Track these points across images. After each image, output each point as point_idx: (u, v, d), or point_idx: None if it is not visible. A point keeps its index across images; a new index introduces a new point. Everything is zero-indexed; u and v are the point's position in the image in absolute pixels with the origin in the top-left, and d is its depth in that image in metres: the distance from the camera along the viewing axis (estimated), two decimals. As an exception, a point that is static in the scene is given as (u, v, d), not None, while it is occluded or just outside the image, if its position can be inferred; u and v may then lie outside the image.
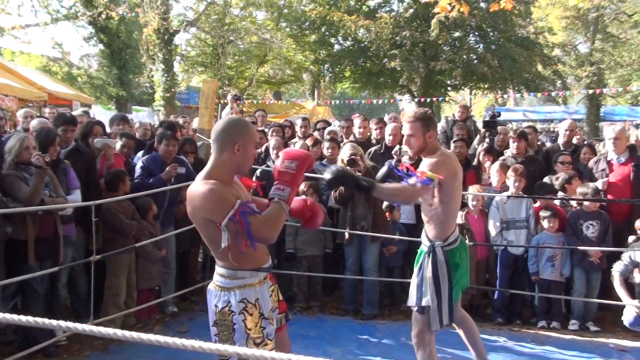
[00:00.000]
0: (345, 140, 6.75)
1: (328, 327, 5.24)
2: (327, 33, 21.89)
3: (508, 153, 6.20)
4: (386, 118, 7.77)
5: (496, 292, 5.45)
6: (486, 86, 21.96)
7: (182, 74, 24.19)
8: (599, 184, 5.47)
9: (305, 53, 22.77)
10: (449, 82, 22.28)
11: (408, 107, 18.29)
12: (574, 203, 5.50)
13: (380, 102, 21.15)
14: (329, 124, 8.59)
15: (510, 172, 5.42)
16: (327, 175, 3.26)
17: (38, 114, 7.64)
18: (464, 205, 5.34)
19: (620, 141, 5.63)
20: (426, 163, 3.40)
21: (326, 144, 6.29)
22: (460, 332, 3.77)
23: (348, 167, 5.33)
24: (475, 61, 20.57)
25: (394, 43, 19.46)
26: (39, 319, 1.61)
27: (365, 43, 20.93)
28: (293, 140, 6.68)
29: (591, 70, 24.19)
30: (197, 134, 6.99)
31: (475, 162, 6.19)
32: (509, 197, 5.40)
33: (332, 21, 20.25)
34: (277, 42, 20.05)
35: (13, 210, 4.04)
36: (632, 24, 24.14)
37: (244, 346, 2.46)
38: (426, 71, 19.45)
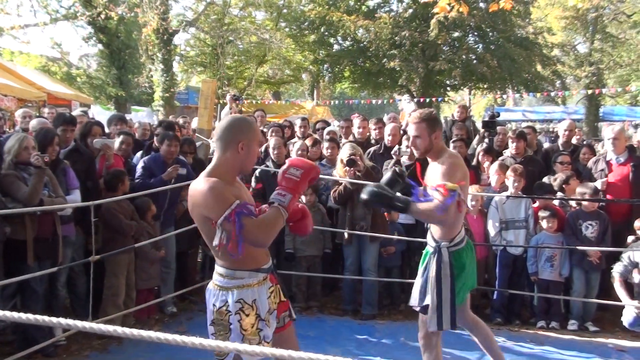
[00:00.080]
0: (344, 141, 6.75)
1: (327, 327, 5.24)
2: (326, 33, 21.90)
3: (507, 153, 6.20)
4: (385, 118, 7.76)
5: (495, 292, 5.45)
6: (485, 86, 21.97)
7: (182, 74, 24.19)
8: (598, 184, 5.47)
9: (304, 53, 22.78)
10: (448, 82, 22.29)
11: (407, 107, 18.24)
12: (573, 203, 5.50)
13: (379, 102, 21.13)
14: (328, 124, 8.59)
15: (509, 172, 5.42)
16: (363, 195, 3.35)
17: (37, 114, 7.64)
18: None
19: (619, 141, 5.63)
20: (438, 171, 3.33)
21: (325, 144, 6.30)
22: (475, 338, 3.69)
23: (349, 168, 5.34)
24: (475, 61, 20.60)
25: (393, 43, 19.47)
26: (38, 317, 1.61)
27: (365, 43, 20.95)
28: (292, 141, 6.68)
29: (590, 71, 24.20)
30: (196, 134, 6.98)
31: (474, 162, 6.19)
32: (508, 197, 5.41)
33: (331, 21, 20.26)
34: (276, 42, 20.06)
35: (12, 210, 4.03)
36: (631, 24, 24.16)
37: None
38: (425, 71, 19.47)
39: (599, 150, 7.08)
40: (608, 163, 5.65)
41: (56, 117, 5.61)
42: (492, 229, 5.45)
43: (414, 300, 3.61)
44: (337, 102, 23.32)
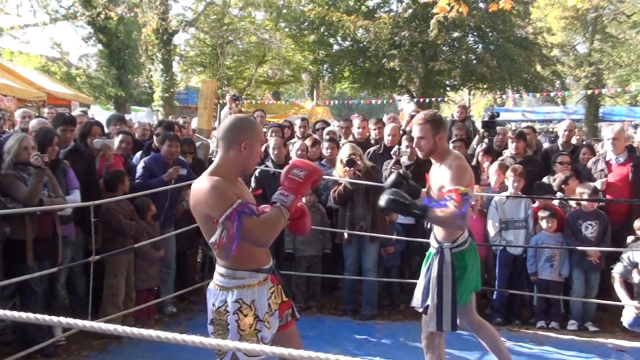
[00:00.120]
0: (344, 141, 6.75)
1: (327, 327, 5.24)
2: (326, 33, 21.90)
3: (507, 153, 6.20)
4: (385, 118, 7.77)
5: (495, 292, 5.45)
6: (485, 86, 21.97)
7: (181, 74, 24.19)
8: (598, 184, 5.48)
9: (304, 53, 22.78)
10: (447, 82, 22.29)
11: (407, 107, 18.26)
12: (572, 203, 5.51)
13: (379, 102, 21.13)
14: (328, 124, 8.59)
15: (509, 172, 5.42)
16: (380, 202, 3.37)
17: (37, 114, 7.63)
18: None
19: (619, 141, 5.63)
20: (446, 175, 3.30)
21: (325, 144, 6.30)
22: (481, 341, 3.66)
23: (348, 168, 5.34)
24: (474, 61, 20.60)
25: (393, 43, 19.47)
26: (39, 316, 1.61)
27: (364, 43, 20.95)
28: (292, 141, 6.68)
29: (590, 71, 24.20)
30: (195, 134, 6.98)
31: (474, 163, 6.19)
32: (507, 197, 5.41)
33: (331, 21, 20.26)
34: (276, 42, 20.06)
35: (12, 210, 4.03)
36: (631, 24, 24.16)
37: None
38: (425, 71, 19.47)
39: (598, 150, 7.09)
40: (608, 163, 5.65)
41: (56, 117, 5.61)
42: (491, 229, 5.45)
43: (416, 301, 3.61)
44: (336, 102, 23.31)
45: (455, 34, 21.13)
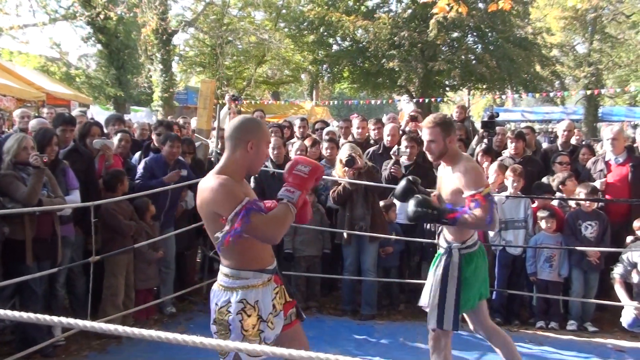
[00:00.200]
0: (343, 141, 6.75)
1: (326, 327, 5.24)
2: (325, 33, 21.89)
3: (506, 153, 6.20)
4: (384, 118, 7.77)
5: (494, 292, 5.45)
6: (484, 86, 21.96)
7: (181, 74, 24.18)
8: (597, 184, 5.48)
9: (303, 53, 22.77)
10: (447, 82, 22.28)
11: (406, 107, 18.28)
12: (572, 203, 5.51)
13: (378, 102, 21.14)
14: (327, 124, 8.59)
15: (508, 172, 5.42)
16: (409, 214, 3.42)
17: (36, 114, 7.63)
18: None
19: (618, 142, 5.64)
20: (463, 179, 3.30)
21: (325, 144, 6.30)
22: (495, 348, 3.63)
23: (348, 168, 5.34)
24: (474, 61, 20.60)
25: (393, 43, 19.47)
26: (40, 316, 1.61)
27: (364, 43, 20.94)
28: (292, 141, 6.68)
29: (589, 71, 24.21)
30: (195, 134, 6.98)
31: (473, 163, 6.19)
32: (507, 197, 5.41)
33: (330, 21, 20.26)
34: (275, 43, 20.06)
35: (11, 210, 4.03)
36: (630, 24, 24.16)
37: None
38: (424, 71, 19.46)
39: (598, 150, 7.09)
40: (607, 163, 5.66)
41: (55, 117, 5.61)
42: (491, 229, 5.45)
43: (423, 301, 3.60)
44: (336, 102, 23.31)
45: (455, 34, 21.13)
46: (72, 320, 1.61)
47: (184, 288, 5.68)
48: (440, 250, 3.55)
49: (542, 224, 5.38)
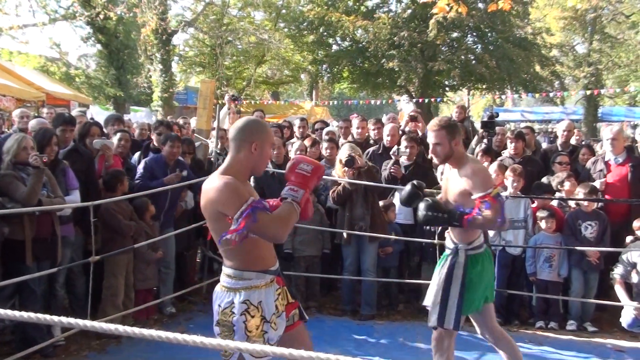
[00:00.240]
0: (343, 141, 6.75)
1: (326, 327, 5.23)
2: (325, 33, 21.88)
3: (506, 153, 6.20)
4: (384, 119, 7.77)
5: (494, 292, 5.44)
6: (484, 87, 21.96)
7: (180, 74, 24.16)
8: (597, 184, 5.48)
9: (303, 53, 22.76)
10: (447, 82, 22.28)
11: (406, 107, 18.29)
12: (571, 203, 5.51)
13: (378, 102, 21.14)
14: (327, 125, 8.59)
15: (508, 172, 5.42)
16: (419, 218, 3.43)
17: (36, 114, 7.63)
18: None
19: (617, 142, 5.64)
20: (470, 181, 3.31)
21: (324, 144, 6.30)
22: (500, 352, 3.61)
23: (347, 169, 5.33)
24: (473, 62, 20.60)
25: (392, 43, 19.46)
26: (40, 315, 1.61)
27: (364, 43, 20.93)
28: (291, 141, 6.68)
29: (589, 71, 24.21)
30: (195, 134, 6.98)
31: (473, 163, 6.18)
32: (507, 197, 5.40)
33: (330, 22, 20.25)
34: (275, 43, 20.06)
35: (10, 210, 4.03)
36: (630, 24, 24.16)
37: None
38: (424, 72, 19.46)
39: (598, 150, 7.10)
40: (607, 163, 5.66)
41: (55, 117, 5.61)
42: (490, 229, 5.45)
43: (427, 301, 3.59)
44: (335, 102, 23.32)
45: (454, 34, 21.13)
46: (72, 320, 1.61)
47: (184, 288, 5.68)
48: (447, 252, 3.55)
49: (542, 224, 5.38)
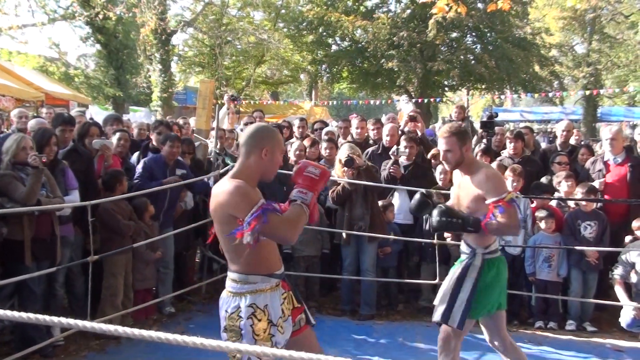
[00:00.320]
0: (342, 141, 6.75)
1: (325, 327, 5.22)
2: (324, 33, 21.87)
3: (505, 153, 6.21)
4: (383, 119, 7.77)
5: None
6: (483, 87, 21.96)
7: (180, 74, 24.14)
8: (596, 184, 5.49)
9: (302, 53, 22.75)
10: (446, 82, 22.27)
11: (405, 107, 18.30)
12: (571, 203, 5.51)
13: (377, 102, 21.16)
14: (326, 125, 8.58)
15: (508, 172, 5.42)
16: (433, 224, 3.44)
17: (35, 114, 7.61)
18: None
19: (617, 142, 5.65)
20: (484, 186, 3.31)
21: (324, 144, 6.30)
22: None
23: (347, 169, 5.33)
24: (473, 62, 20.59)
25: (392, 43, 19.46)
26: (39, 316, 1.61)
27: (363, 43, 20.92)
28: (291, 141, 6.68)
29: (588, 71, 24.22)
30: (194, 135, 6.97)
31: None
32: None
33: (329, 22, 20.24)
34: (274, 43, 20.04)
35: (9, 210, 4.03)
36: (629, 24, 24.16)
37: None
38: (423, 72, 19.45)
39: (597, 150, 7.10)
40: (606, 163, 5.66)
41: (55, 117, 5.60)
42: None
43: (437, 299, 3.58)
44: (335, 102, 23.32)
45: (454, 35, 21.12)
46: (71, 321, 1.61)
47: (183, 288, 5.68)
48: (462, 257, 3.52)
49: (542, 224, 5.38)
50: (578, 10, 22.12)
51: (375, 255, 5.54)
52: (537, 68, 21.61)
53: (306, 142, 6.33)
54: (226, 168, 5.80)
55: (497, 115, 7.67)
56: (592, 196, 5.30)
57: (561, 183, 5.53)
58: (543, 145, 8.60)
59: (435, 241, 5.06)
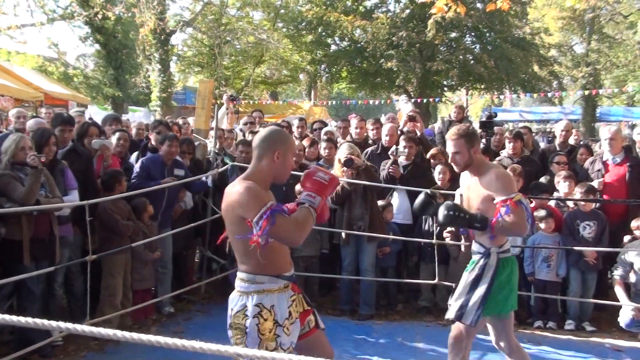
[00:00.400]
0: (341, 141, 6.75)
1: (325, 327, 5.22)
2: (323, 33, 21.88)
3: (504, 153, 6.21)
4: (383, 118, 7.77)
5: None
6: (482, 87, 21.98)
7: (179, 74, 24.13)
8: (595, 184, 5.49)
9: (302, 53, 22.75)
10: (445, 82, 22.28)
11: (404, 107, 18.29)
12: (569, 203, 5.52)
13: (376, 102, 21.16)
14: (325, 125, 8.58)
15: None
16: (439, 218, 3.42)
17: (34, 114, 7.61)
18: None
19: (615, 142, 5.65)
20: (493, 186, 3.31)
21: (323, 144, 6.30)
22: None
23: (346, 168, 5.33)
24: (472, 62, 20.60)
25: (391, 43, 19.46)
26: (38, 320, 1.60)
27: (362, 43, 20.93)
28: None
29: (587, 71, 24.24)
30: (193, 134, 6.97)
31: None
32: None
33: (328, 21, 20.24)
34: (273, 43, 20.03)
35: (8, 210, 4.02)
36: (628, 24, 24.17)
37: None
38: (423, 72, 19.46)
39: (596, 150, 7.10)
40: (604, 163, 5.67)
41: (54, 117, 5.60)
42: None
43: (452, 299, 3.57)
44: (334, 102, 23.33)
45: (453, 34, 21.14)
46: (70, 325, 1.60)
47: (182, 288, 5.67)
48: (475, 257, 3.51)
49: (541, 224, 5.38)
50: (577, 10, 22.14)
51: (375, 255, 5.54)
52: (536, 68, 21.64)
53: (305, 142, 6.33)
54: (225, 167, 5.80)
55: (496, 115, 7.67)
56: (591, 196, 5.31)
57: (560, 183, 5.53)
58: (542, 145, 8.61)
59: (434, 241, 5.07)
